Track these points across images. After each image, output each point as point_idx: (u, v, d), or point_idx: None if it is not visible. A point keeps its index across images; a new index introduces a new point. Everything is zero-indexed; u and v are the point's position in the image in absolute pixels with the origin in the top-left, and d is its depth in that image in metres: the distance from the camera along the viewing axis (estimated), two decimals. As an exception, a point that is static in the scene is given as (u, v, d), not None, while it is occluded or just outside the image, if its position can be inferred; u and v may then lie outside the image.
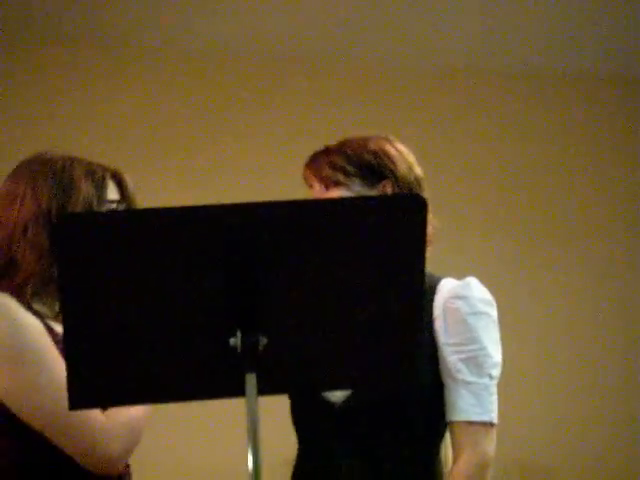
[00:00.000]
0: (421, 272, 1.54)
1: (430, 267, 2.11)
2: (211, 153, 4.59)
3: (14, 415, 1.89)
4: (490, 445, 2.11)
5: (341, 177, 2.18)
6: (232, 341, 1.53)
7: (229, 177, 4.53)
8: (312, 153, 2.26)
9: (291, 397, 2.22)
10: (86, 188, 2.02)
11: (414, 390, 2.07)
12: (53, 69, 4.46)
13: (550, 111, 4.97)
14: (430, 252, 1.83)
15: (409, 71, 4.82)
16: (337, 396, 2.12)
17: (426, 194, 2.14)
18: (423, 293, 1.58)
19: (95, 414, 1.89)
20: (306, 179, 2.25)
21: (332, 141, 2.28)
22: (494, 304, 2.16)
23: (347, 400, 2.11)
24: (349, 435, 2.12)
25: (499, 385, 2.15)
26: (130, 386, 1.62)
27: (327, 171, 2.19)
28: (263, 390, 1.53)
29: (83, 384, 1.60)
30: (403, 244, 1.51)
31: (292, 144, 4.45)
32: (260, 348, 1.53)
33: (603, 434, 4.72)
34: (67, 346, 1.56)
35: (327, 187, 2.20)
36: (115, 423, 1.92)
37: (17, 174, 2.05)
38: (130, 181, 2.11)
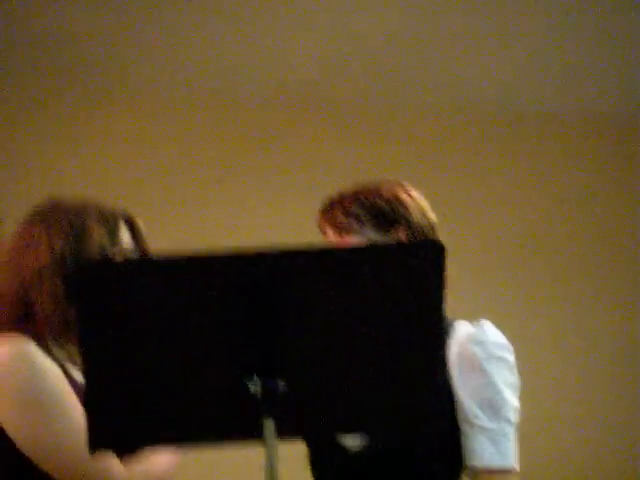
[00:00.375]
0: (440, 318, 1.55)
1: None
2: (221, 197, 4.60)
3: (30, 461, 1.90)
4: None
5: (354, 224, 2.20)
6: (251, 386, 1.54)
7: (240, 220, 4.53)
8: (326, 200, 2.29)
9: (308, 442, 2.22)
10: (99, 234, 2.04)
11: (431, 436, 2.07)
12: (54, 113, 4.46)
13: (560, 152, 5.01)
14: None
15: (422, 113, 4.84)
16: (353, 441, 2.13)
17: (442, 239, 2.15)
18: (443, 339, 1.59)
19: (114, 464, 1.89)
20: (320, 226, 2.27)
21: (348, 183, 2.30)
22: (510, 348, 2.16)
23: (363, 446, 2.12)
24: None
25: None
26: (149, 430, 1.62)
27: (341, 218, 2.21)
28: (282, 435, 1.54)
29: (102, 427, 1.60)
30: (422, 290, 1.52)
31: (305, 187, 4.47)
32: (279, 393, 1.54)
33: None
34: (86, 390, 1.58)
35: (340, 234, 2.21)
36: (134, 473, 1.92)
37: (31, 220, 2.07)
38: (142, 225, 2.13)
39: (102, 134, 4.48)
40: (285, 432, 1.56)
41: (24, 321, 1.98)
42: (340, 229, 2.21)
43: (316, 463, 2.23)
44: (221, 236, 4.31)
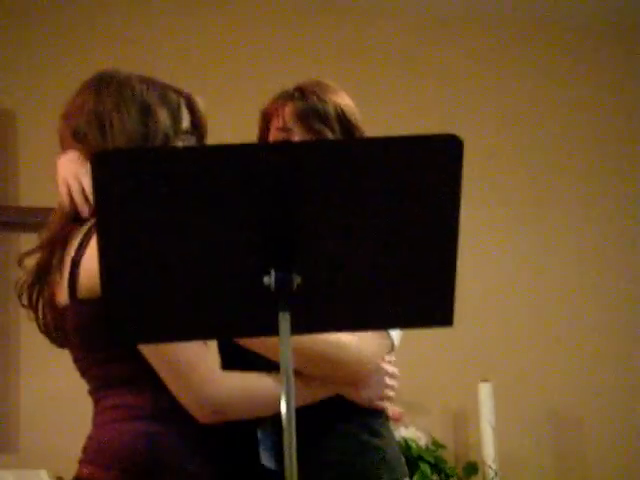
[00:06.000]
0: (457, 214, 1.53)
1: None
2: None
3: None
4: None
5: (328, 134, 2.12)
6: (266, 280, 1.53)
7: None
8: (295, 93, 2.18)
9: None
10: (163, 118, 2.00)
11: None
12: None
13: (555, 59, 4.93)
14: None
15: (401, 20, 4.77)
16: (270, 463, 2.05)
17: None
18: (458, 235, 1.57)
19: (207, 358, 1.93)
20: (285, 120, 2.16)
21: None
22: None
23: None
24: None
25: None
26: (165, 324, 1.63)
27: (318, 125, 2.13)
28: (297, 330, 1.54)
29: (120, 322, 1.61)
30: (440, 185, 1.50)
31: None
32: (294, 287, 1.53)
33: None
34: (103, 283, 1.57)
35: (310, 138, 2.12)
36: (225, 377, 1.94)
37: (99, 92, 2.01)
38: (202, 105, 2.07)
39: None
40: (300, 327, 1.56)
41: None
42: (313, 135, 2.12)
43: None
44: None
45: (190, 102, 2.06)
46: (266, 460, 2.02)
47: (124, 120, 1.98)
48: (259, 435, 2.03)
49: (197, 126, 2.06)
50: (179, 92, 2.05)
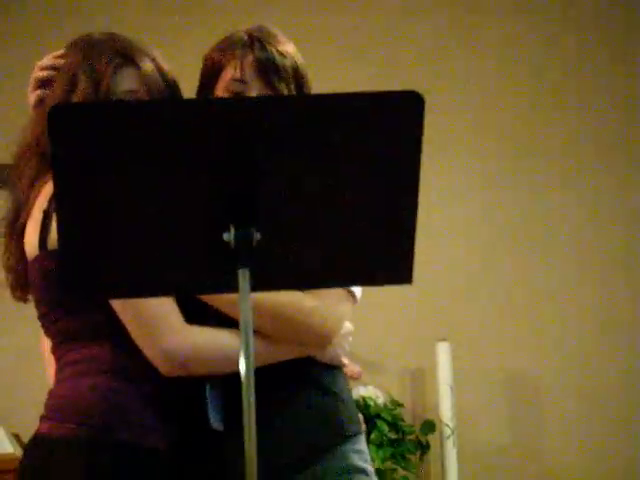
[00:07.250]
0: (417, 172, 1.52)
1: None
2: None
3: None
4: None
5: (285, 91, 2.06)
6: (225, 236, 1.52)
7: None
8: (255, 44, 2.08)
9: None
10: (84, 87, 2.01)
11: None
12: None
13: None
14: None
15: None
16: (218, 424, 2.05)
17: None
18: (418, 193, 1.56)
19: (175, 312, 1.93)
20: (245, 73, 2.07)
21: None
22: None
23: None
24: None
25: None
26: (123, 279, 1.62)
27: (277, 82, 2.06)
28: (256, 286, 1.53)
29: (76, 277, 1.60)
30: (401, 143, 1.49)
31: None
32: (254, 243, 1.52)
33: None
34: (59, 236, 1.55)
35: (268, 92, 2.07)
36: (192, 330, 1.94)
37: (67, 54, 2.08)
38: (148, 67, 2.04)
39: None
40: (260, 284, 1.55)
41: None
42: (270, 91, 2.05)
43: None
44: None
45: (131, 61, 2.04)
46: (214, 421, 2.02)
47: (54, 90, 2.05)
48: (207, 394, 2.02)
49: (143, 84, 2.04)
50: (118, 54, 2.04)
